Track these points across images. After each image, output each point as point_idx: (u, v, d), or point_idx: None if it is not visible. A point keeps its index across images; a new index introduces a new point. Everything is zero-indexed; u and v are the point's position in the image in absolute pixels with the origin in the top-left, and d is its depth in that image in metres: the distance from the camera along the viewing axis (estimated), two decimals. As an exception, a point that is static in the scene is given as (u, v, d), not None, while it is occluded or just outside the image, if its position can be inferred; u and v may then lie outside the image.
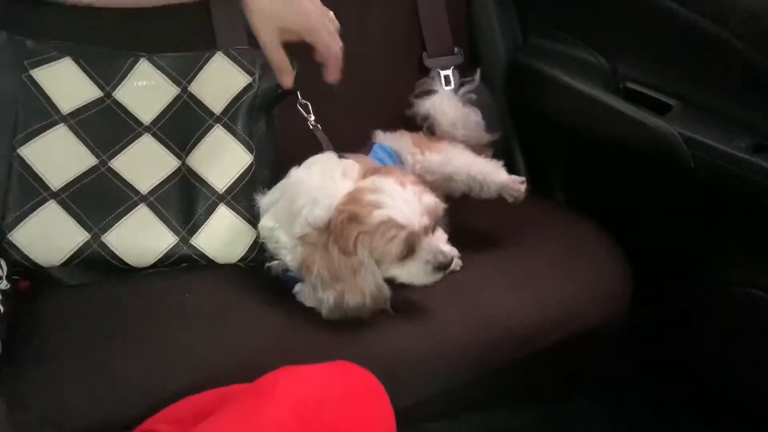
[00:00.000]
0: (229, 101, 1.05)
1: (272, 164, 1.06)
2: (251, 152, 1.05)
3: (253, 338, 0.89)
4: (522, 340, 0.98)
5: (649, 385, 1.28)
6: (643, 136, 1.09)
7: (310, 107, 1.09)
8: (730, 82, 1.01)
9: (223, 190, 1.03)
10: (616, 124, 1.14)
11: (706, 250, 1.13)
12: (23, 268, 0.96)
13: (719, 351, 1.14)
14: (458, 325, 0.96)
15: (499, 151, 1.35)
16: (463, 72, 1.37)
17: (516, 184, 1.07)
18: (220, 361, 0.86)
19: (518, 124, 1.42)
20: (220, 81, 1.06)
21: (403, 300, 0.97)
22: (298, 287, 0.96)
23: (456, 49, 1.35)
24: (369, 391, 0.77)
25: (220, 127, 1.05)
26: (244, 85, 1.05)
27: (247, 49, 1.08)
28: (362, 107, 1.30)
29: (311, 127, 1.08)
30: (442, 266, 0.91)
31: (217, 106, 1.05)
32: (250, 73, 1.06)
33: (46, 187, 0.97)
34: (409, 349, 0.92)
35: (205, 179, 1.03)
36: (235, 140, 1.05)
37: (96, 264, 0.98)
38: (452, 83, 1.34)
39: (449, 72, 1.34)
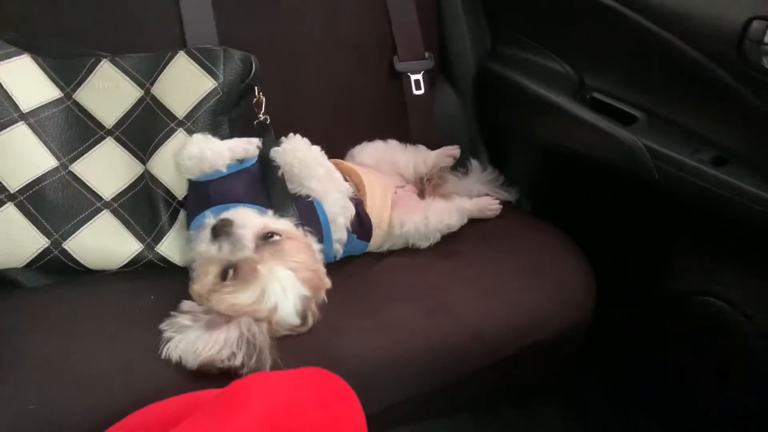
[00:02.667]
0: (193, 106, 1.01)
1: None
2: None
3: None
4: (490, 346, 0.98)
5: (611, 390, 1.31)
6: (608, 146, 1.11)
7: (263, 104, 1.07)
8: (693, 97, 1.04)
9: (183, 196, 1.01)
10: (582, 134, 1.16)
11: (667, 259, 1.15)
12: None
13: (678, 357, 1.17)
14: (428, 332, 0.96)
15: (466, 158, 1.36)
16: (433, 77, 1.39)
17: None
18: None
19: (485, 131, 1.43)
20: (183, 83, 1.02)
21: (373, 306, 0.97)
22: None
23: (427, 54, 1.35)
24: (340, 397, 0.77)
25: (183, 131, 1.01)
26: (209, 89, 1.01)
27: (208, 47, 1.05)
28: (333, 110, 1.29)
29: (255, 123, 1.06)
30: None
31: (179, 109, 1.02)
32: (215, 77, 1.02)
33: (3, 189, 0.94)
34: (380, 355, 0.92)
35: (165, 184, 1.00)
36: None
37: (57, 268, 0.96)
38: (422, 87, 1.35)
39: (419, 76, 1.35)
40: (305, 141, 1.03)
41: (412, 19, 1.34)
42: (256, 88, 1.07)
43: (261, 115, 1.07)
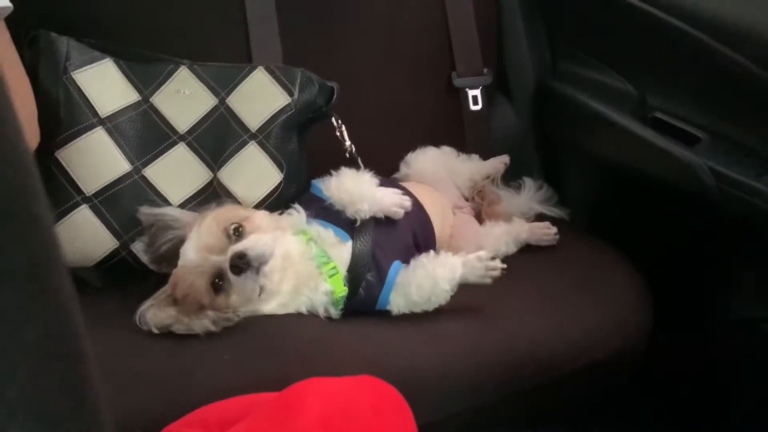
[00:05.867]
0: (266, 119, 1.04)
1: (300, 182, 1.07)
2: (282, 171, 1.04)
3: (281, 348, 0.90)
4: (544, 365, 0.97)
5: (663, 416, 1.27)
6: (670, 166, 1.09)
7: (345, 133, 1.10)
8: (759, 117, 1.01)
9: (251, 207, 1.03)
10: (642, 153, 1.14)
11: (729, 284, 1.12)
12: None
13: (739, 387, 1.13)
14: (480, 348, 0.95)
15: (522, 174, 1.36)
16: (491, 92, 1.39)
17: None
18: (248, 368, 0.86)
19: (542, 148, 1.42)
20: (259, 97, 1.06)
21: (424, 321, 0.98)
22: None
23: (485, 70, 1.36)
24: (394, 407, 0.77)
25: (255, 144, 1.04)
26: (284, 104, 1.05)
27: (287, 66, 1.09)
28: (389, 125, 1.31)
29: (347, 155, 1.09)
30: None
31: (253, 122, 1.05)
32: (290, 93, 1.05)
33: (79, 191, 0.98)
34: (432, 368, 0.92)
35: (234, 194, 1.03)
36: (268, 158, 1.04)
37: (124, 269, 1.00)
38: (480, 103, 1.35)
39: (477, 92, 1.35)
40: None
41: (472, 35, 1.34)
42: (333, 118, 1.09)
43: (347, 144, 1.10)
